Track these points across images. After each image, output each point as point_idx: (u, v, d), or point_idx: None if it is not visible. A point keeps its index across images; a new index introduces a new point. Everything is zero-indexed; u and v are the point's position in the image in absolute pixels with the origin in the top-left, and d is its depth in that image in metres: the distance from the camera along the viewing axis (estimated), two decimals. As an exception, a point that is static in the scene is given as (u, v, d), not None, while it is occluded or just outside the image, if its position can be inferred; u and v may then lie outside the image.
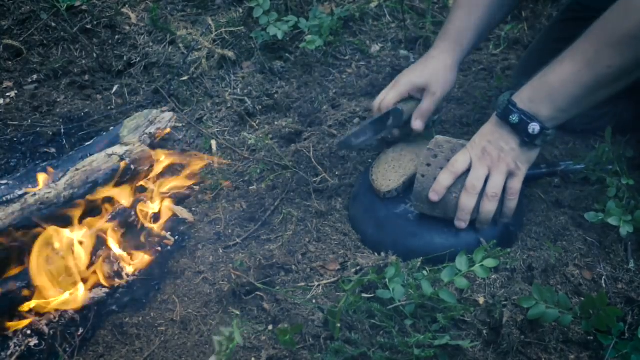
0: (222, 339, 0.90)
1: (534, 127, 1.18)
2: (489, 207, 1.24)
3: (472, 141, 1.27)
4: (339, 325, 1.08)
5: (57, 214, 1.34)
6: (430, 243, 1.28)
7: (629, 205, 1.25)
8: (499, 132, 1.23)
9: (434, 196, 1.25)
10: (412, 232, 1.30)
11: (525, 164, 1.24)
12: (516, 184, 1.25)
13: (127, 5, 2.21)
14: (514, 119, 1.20)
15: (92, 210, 1.42)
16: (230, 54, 1.96)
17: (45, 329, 1.26)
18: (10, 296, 1.23)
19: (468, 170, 1.25)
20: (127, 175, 1.47)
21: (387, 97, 1.42)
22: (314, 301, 1.21)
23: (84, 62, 2.03)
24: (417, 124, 1.41)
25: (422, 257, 1.25)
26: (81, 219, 1.38)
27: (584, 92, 1.14)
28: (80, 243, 1.33)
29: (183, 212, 1.51)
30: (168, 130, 1.68)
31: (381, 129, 1.44)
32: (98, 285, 1.36)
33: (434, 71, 1.40)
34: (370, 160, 1.54)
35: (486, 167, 1.23)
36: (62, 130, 1.80)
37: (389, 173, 1.39)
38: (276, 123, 1.73)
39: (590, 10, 1.15)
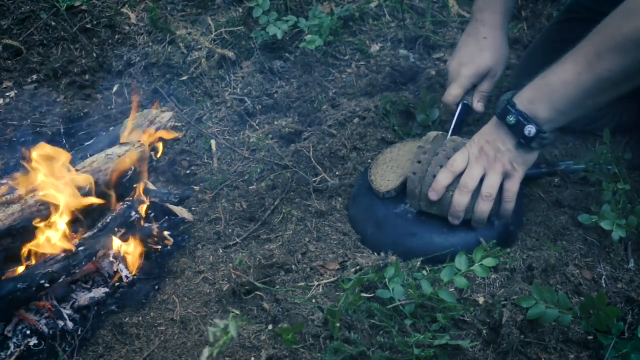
0: (217, 329, 0.89)
1: (530, 130, 1.18)
2: (484, 207, 1.24)
3: (471, 140, 1.28)
4: (338, 324, 1.08)
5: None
6: (429, 243, 1.28)
7: (625, 208, 1.25)
8: (497, 132, 1.23)
9: (433, 195, 1.25)
10: (412, 232, 1.31)
11: (522, 166, 1.24)
12: (513, 186, 1.25)
13: (127, 5, 2.21)
14: (511, 120, 1.19)
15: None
16: (230, 53, 1.96)
17: (45, 329, 1.26)
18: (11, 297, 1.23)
19: None
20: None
21: (452, 93, 1.37)
22: (313, 301, 1.21)
23: (84, 62, 2.03)
24: (481, 106, 1.40)
25: (422, 257, 1.25)
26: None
27: (584, 94, 1.13)
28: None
29: (183, 212, 1.51)
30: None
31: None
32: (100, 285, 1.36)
33: (493, 53, 1.36)
34: (369, 161, 1.54)
35: (482, 167, 1.23)
36: (62, 130, 1.80)
37: (388, 173, 1.39)
38: (276, 123, 1.73)
39: (591, 11, 1.14)
